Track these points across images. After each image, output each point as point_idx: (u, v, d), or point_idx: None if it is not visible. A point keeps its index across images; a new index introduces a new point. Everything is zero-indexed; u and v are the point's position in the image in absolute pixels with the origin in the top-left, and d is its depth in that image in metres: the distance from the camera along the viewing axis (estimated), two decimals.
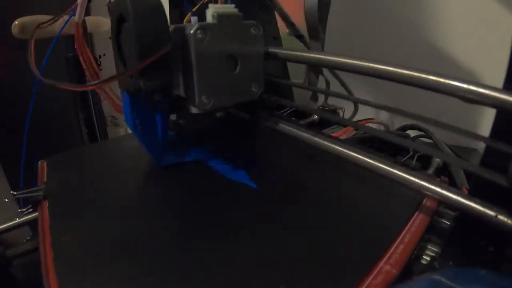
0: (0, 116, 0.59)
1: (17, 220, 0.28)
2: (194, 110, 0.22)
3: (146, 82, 0.20)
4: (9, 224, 0.28)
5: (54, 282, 0.16)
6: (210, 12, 0.21)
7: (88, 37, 0.45)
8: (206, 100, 0.21)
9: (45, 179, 0.25)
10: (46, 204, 0.22)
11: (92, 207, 0.22)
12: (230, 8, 0.21)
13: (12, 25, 0.37)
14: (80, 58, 0.24)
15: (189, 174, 0.25)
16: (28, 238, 0.32)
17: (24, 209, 0.26)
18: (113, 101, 0.26)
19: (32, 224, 0.30)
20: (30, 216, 0.25)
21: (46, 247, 0.18)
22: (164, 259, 0.17)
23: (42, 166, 0.27)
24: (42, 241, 0.19)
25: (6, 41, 0.41)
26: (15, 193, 0.24)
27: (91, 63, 0.24)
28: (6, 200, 0.24)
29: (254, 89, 0.23)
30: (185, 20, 0.25)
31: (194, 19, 0.22)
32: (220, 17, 0.21)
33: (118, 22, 0.21)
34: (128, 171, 0.26)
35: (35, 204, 0.23)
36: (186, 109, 0.24)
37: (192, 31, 0.20)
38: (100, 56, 0.72)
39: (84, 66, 0.24)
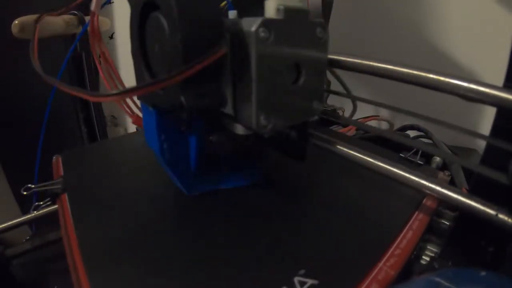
0: (0, 116, 0.59)
1: (17, 220, 0.28)
2: (241, 130, 0.18)
3: (190, 97, 0.15)
4: (9, 223, 0.28)
5: (81, 269, 0.16)
6: (274, 4, 0.16)
7: (88, 37, 0.45)
8: (265, 121, 0.16)
9: (61, 173, 0.26)
10: (65, 197, 0.23)
11: (111, 199, 0.22)
12: (295, 1, 0.16)
13: (12, 25, 0.37)
14: (95, 57, 0.20)
15: None
16: (28, 237, 0.32)
17: (42, 202, 0.26)
18: (131, 111, 0.22)
19: (33, 223, 0.30)
20: (44, 210, 0.26)
21: (70, 237, 0.19)
22: (187, 248, 0.17)
23: (57, 161, 0.28)
24: (65, 232, 0.19)
25: (6, 41, 0.41)
26: (32, 186, 0.24)
27: (111, 67, 0.20)
28: (25, 193, 0.24)
29: (316, 106, 0.18)
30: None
31: (232, 13, 0.16)
32: (288, 12, 0.16)
33: (143, 12, 0.16)
34: (143, 166, 0.27)
35: (54, 197, 0.24)
36: (227, 128, 0.19)
37: (253, 28, 0.14)
38: (99, 56, 0.72)
39: (100, 71, 0.21)
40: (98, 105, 0.53)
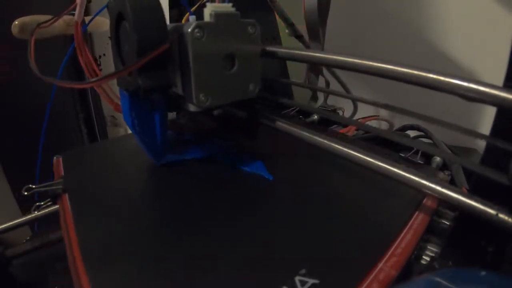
0: (0, 116, 0.59)
1: (17, 220, 0.28)
2: (192, 108, 0.23)
3: (145, 80, 0.20)
4: (9, 223, 0.28)
5: (82, 272, 0.16)
6: (208, 11, 0.21)
7: (88, 37, 0.45)
8: (203, 98, 0.21)
9: (62, 174, 0.26)
10: (66, 197, 0.23)
11: (112, 199, 0.22)
12: (228, 7, 0.22)
13: (12, 25, 0.37)
14: (80, 58, 0.24)
15: (205, 167, 0.26)
16: (28, 238, 0.32)
17: (42, 203, 0.26)
18: (112, 100, 0.26)
19: (33, 223, 0.30)
20: (45, 210, 0.26)
21: (71, 237, 0.19)
22: (189, 247, 0.17)
23: (58, 161, 0.28)
24: (66, 233, 0.19)
25: (6, 40, 0.41)
26: (33, 187, 0.24)
27: (90, 63, 0.24)
28: (26, 193, 0.24)
29: (252, 88, 0.24)
30: (183, 20, 0.25)
31: (192, 18, 0.22)
32: (218, 16, 0.21)
33: (117, 21, 0.21)
34: (145, 165, 0.27)
35: (54, 198, 0.24)
36: (184, 107, 0.24)
37: (189, 30, 0.20)
38: (100, 56, 0.72)
39: (83, 66, 0.24)
40: (98, 105, 0.53)
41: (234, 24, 0.22)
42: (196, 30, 0.20)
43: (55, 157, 0.28)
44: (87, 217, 0.21)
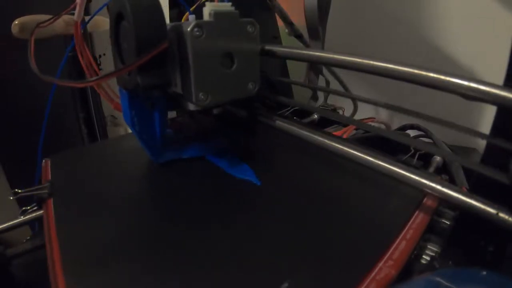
0: (0, 116, 0.59)
1: (17, 220, 0.28)
2: (191, 107, 0.23)
3: (144, 79, 0.20)
4: (9, 223, 0.28)
5: (60, 278, 0.16)
6: (207, 10, 0.21)
7: (88, 36, 0.45)
8: (203, 97, 0.21)
9: (49, 177, 0.25)
10: (51, 202, 0.22)
11: (97, 205, 0.22)
12: (227, 6, 0.22)
13: (12, 25, 0.37)
14: (80, 57, 0.24)
15: (193, 170, 0.25)
16: (28, 238, 0.32)
17: (29, 207, 0.26)
18: (111, 99, 0.26)
19: (33, 223, 0.30)
20: (34, 214, 0.25)
21: (52, 244, 0.18)
22: (171, 254, 0.17)
23: (46, 164, 0.27)
24: (48, 239, 0.19)
25: (6, 40, 0.41)
26: (20, 191, 0.24)
27: (90, 62, 0.25)
28: (11, 198, 0.24)
29: (251, 86, 0.24)
30: (183, 19, 0.25)
31: (191, 17, 0.22)
32: (217, 15, 0.21)
33: (117, 20, 0.22)
34: (132, 169, 0.26)
35: (39, 202, 0.23)
36: (183, 106, 0.24)
37: (189, 29, 0.20)
38: (100, 56, 0.72)
39: (83, 66, 0.25)
40: (98, 105, 0.53)
41: (233, 23, 0.22)
42: (196, 29, 0.20)
43: (43, 160, 0.28)
44: (70, 223, 0.20)
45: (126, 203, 0.22)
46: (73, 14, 0.40)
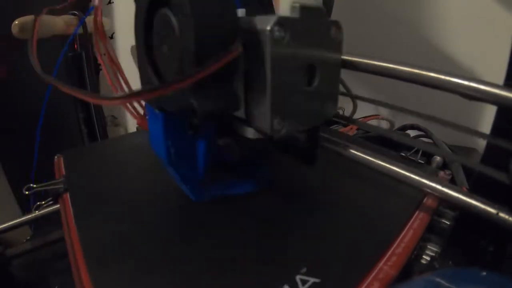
0: (0, 116, 0.59)
1: (17, 220, 0.28)
2: (251, 134, 0.17)
3: (203, 101, 0.14)
4: (10, 223, 0.28)
5: (83, 268, 0.16)
6: (288, 2, 0.15)
7: (88, 37, 0.45)
8: (278, 125, 0.15)
9: (63, 173, 0.26)
10: (67, 196, 0.23)
11: (113, 198, 0.22)
12: None
13: (12, 25, 0.37)
14: (99, 56, 0.20)
15: None
16: (28, 238, 0.32)
17: (43, 202, 0.26)
18: (136, 114, 0.21)
19: (33, 223, 0.30)
20: (49, 208, 0.27)
21: (72, 237, 0.19)
22: (192, 245, 0.17)
23: (59, 160, 0.28)
24: (67, 232, 0.19)
25: (6, 40, 0.41)
26: (34, 186, 0.24)
27: (116, 65, 0.20)
28: (27, 192, 0.24)
29: (330, 109, 0.18)
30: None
31: (242, 11, 0.16)
32: (304, 10, 0.15)
33: (151, 7, 0.15)
34: (146, 165, 0.27)
35: (56, 197, 0.24)
36: (239, 132, 0.18)
37: (268, 27, 0.14)
38: (104, 54, 0.71)
39: (104, 68, 0.20)
40: (98, 105, 0.53)
41: (318, 23, 0.16)
42: (277, 28, 0.14)
43: (56, 156, 0.28)
44: (89, 217, 0.20)
45: (142, 197, 0.22)
46: (73, 14, 0.40)
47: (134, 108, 0.21)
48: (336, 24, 0.17)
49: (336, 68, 0.18)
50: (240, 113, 0.17)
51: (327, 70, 0.17)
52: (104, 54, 0.20)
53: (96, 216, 0.21)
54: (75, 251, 0.18)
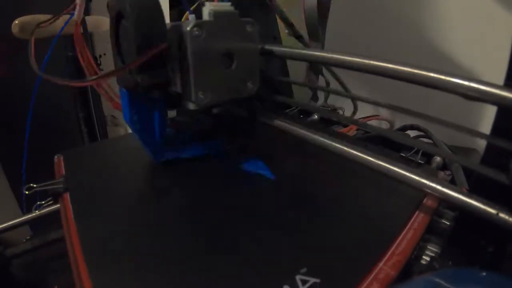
0: (0, 116, 0.59)
1: (17, 219, 0.28)
2: (191, 106, 0.23)
3: (144, 78, 0.20)
4: (10, 223, 0.28)
5: (83, 268, 0.16)
6: (207, 10, 0.21)
7: (88, 36, 0.45)
8: (202, 96, 0.22)
9: (63, 172, 0.26)
10: (67, 196, 0.23)
11: (113, 198, 0.22)
12: (226, 6, 0.22)
13: (12, 25, 0.37)
14: (79, 57, 0.24)
15: (205, 166, 0.26)
16: (28, 238, 0.32)
17: (43, 202, 0.26)
18: (111, 98, 0.27)
19: (33, 223, 0.30)
20: (49, 208, 0.27)
21: (72, 236, 0.19)
22: (191, 244, 0.18)
23: (59, 160, 0.28)
24: (67, 232, 0.20)
25: (6, 40, 0.41)
26: (35, 185, 0.25)
27: (90, 62, 0.25)
28: (27, 192, 0.24)
29: (250, 86, 0.24)
30: (183, 19, 0.25)
31: (192, 17, 0.22)
32: (216, 15, 0.21)
33: (117, 19, 0.22)
34: (145, 165, 0.27)
35: (56, 196, 0.24)
36: (183, 105, 0.24)
37: (188, 28, 0.20)
38: (100, 56, 0.72)
39: (83, 65, 0.25)
40: (98, 105, 0.53)
41: (232, 22, 0.22)
42: (195, 29, 0.20)
43: (56, 156, 0.28)
44: (89, 216, 0.21)
45: (141, 197, 0.23)
46: (73, 14, 0.40)
47: (108, 94, 0.26)
48: (251, 22, 0.23)
49: (253, 54, 0.24)
50: (178, 89, 0.23)
51: (244, 56, 0.23)
52: (82, 55, 0.25)
53: (96, 215, 0.21)
54: (75, 251, 0.18)
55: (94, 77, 0.20)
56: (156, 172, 0.26)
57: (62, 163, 0.27)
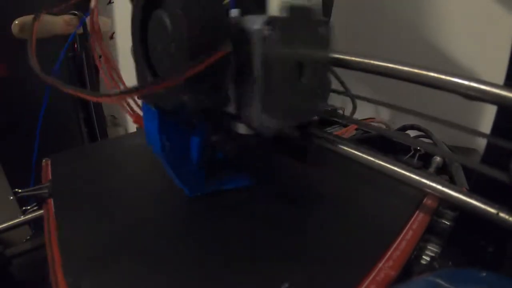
0: (0, 116, 0.59)
1: (17, 220, 0.28)
2: (244, 130, 0.18)
3: (195, 97, 0.14)
4: (10, 223, 0.28)
5: (61, 277, 0.16)
6: (277, 2, 0.16)
7: (88, 36, 0.45)
8: (268, 121, 0.16)
9: (49, 177, 0.25)
10: (51, 201, 0.22)
11: (97, 205, 0.22)
12: None
13: (12, 25, 0.37)
14: (95, 56, 0.21)
15: None
16: (28, 238, 0.32)
17: (29, 207, 0.26)
18: (132, 110, 0.22)
19: (33, 223, 0.30)
20: (34, 214, 0.26)
21: (52, 244, 0.18)
22: (171, 255, 0.17)
23: (46, 164, 0.27)
24: (48, 238, 0.19)
25: (6, 41, 0.41)
26: (19, 191, 0.24)
27: (114, 67, 0.20)
28: (11, 198, 0.24)
29: (319, 105, 0.18)
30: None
31: (235, 12, 0.16)
32: (292, 10, 0.16)
33: (145, 7, 0.16)
34: (133, 169, 0.26)
35: (40, 202, 0.24)
36: (231, 128, 0.19)
37: (258, 26, 0.14)
38: (100, 56, 0.72)
39: (100, 68, 0.21)
40: (98, 105, 0.53)
41: (307, 22, 0.16)
42: (267, 28, 0.14)
43: (44, 160, 0.28)
44: (70, 223, 0.20)
45: (126, 203, 0.22)
46: (73, 13, 0.40)
47: (129, 105, 0.22)
48: (325, 22, 0.17)
49: (325, 65, 0.18)
50: (232, 109, 0.17)
51: (316, 66, 0.17)
52: (101, 56, 0.21)
53: (77, 223, 0.20)
54: (54, 256, 0.17)
55: (117, 91, 0.14)
56: (143, 177, 0.25)
57: (49, 168, 0.27)
